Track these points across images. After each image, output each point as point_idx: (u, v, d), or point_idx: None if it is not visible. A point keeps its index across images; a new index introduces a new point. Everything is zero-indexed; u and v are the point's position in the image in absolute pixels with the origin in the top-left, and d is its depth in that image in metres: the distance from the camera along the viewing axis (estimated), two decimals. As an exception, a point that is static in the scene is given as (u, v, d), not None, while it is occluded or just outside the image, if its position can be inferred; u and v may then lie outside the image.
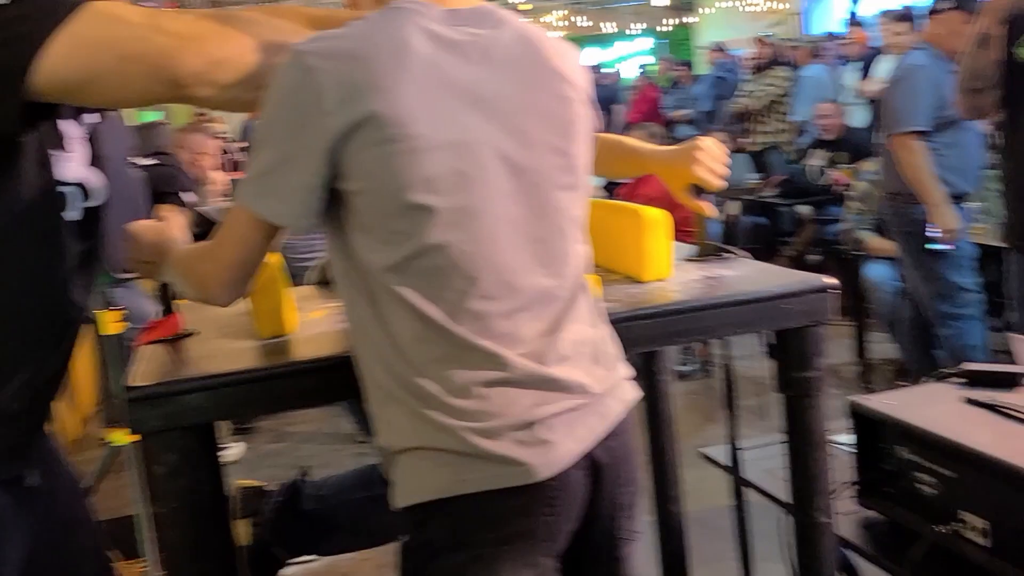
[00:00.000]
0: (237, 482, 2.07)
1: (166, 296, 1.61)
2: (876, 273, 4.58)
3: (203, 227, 1.83)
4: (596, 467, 1.26)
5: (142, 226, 1.52)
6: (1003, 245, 2.90)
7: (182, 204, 3.86)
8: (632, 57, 15.75)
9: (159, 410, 1.31)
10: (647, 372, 2.14)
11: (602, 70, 12.51)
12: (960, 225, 3.64)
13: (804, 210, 6.34)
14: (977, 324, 3.84)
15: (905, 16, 6.03)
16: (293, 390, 1.36)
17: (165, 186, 3.78)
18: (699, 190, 1.73)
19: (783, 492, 1.70)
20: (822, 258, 6.03)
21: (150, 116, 8.55)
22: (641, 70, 12.16)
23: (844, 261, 5.06)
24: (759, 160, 7.55)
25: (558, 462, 1.20)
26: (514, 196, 1.23)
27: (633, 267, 1.65)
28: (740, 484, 1.86)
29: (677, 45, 15.37)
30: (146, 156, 3.90)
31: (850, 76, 8.25)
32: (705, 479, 2.36)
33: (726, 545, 1.97)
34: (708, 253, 1.79)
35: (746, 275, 1.63)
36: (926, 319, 3.94)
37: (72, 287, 1.36)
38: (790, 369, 1.52)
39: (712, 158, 1.70)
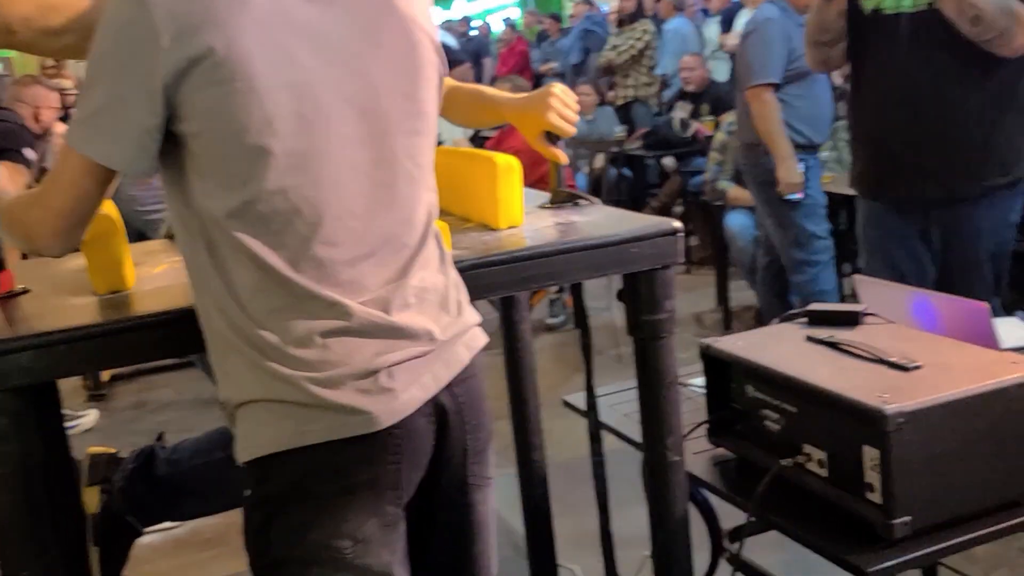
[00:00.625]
0: (87, 449, 2.00)
1: (-9, 254, 1.51)
2: (736, 222, 4.72)
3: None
4: (442, 414, 1.26)
5: None
6: (852, 193, 3.02)
7: (24, 161, 3.66)
8: (500, 10, 15.67)
9: (-19, 372, 1.24)
10: (507, 321, 2.15)
11: (471, 23, 12.42)
12: (800, 179, 3.77)
13: (668, 162, 6.47)
14: (828, 270, 4.00)
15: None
16: (130, 346, 1.30)
17: (3, 142, 3.58)
18: (553, 137, 1.73)
19: (639, 435, 1.74)
20: (686, 209, 6.18)
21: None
22: (507, 23, 12.11)
23: (707, 211, 5.20)
24: (624, 114, 7.65)
25: (401, 410, 1.19)
26: (359, 141, 1.21)
27: (486, 214, 1.64)
28: (597, 428, 1.89)
29: (547, -1, 15.37)
30: (-19, 111, 3.68)
31: (712, 29, 8.42)
32: (572, 428, 2.39)
33: (591, 492, 2.01)
34: (561, 200, 1.79)
35: (597, 220, 1.64)
36: (780, 266, 4.08)
37: None
38: (640, 312, 1.54)
39: (564, 104, 1.70)
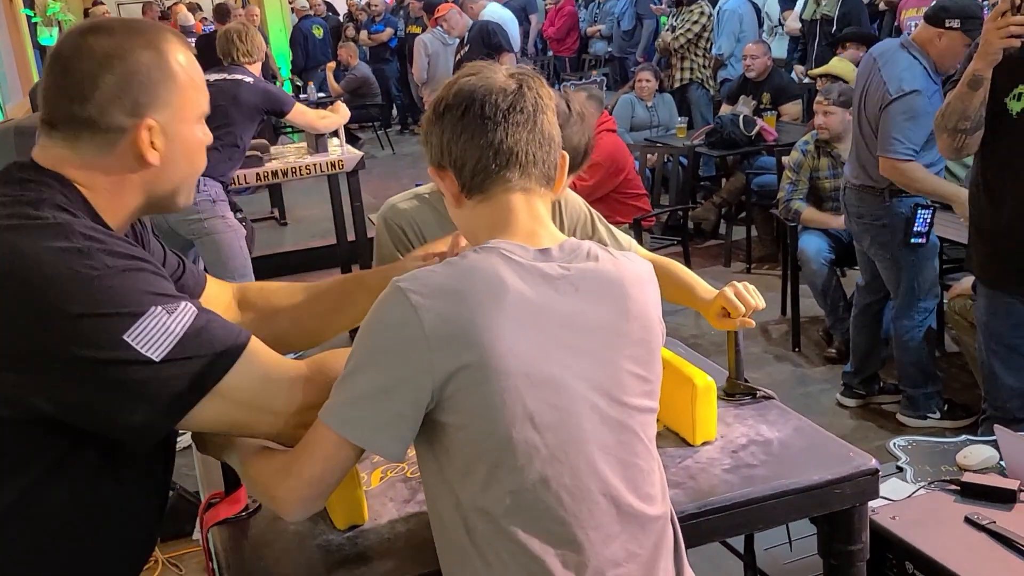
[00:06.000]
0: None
1: (231, 471, 1.60)
2: (811, 245, 4.73)
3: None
4: None
5: None
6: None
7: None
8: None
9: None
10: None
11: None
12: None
13: (730, 157, 6.44)
14: (932, 317, 3.95)
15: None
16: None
17: None
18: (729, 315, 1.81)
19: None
20: (747, 207, 6.19)
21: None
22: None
23: (773, 218, 5.21)
24: (681, 96, 7.58)
25: None
26: (606, 425, 1.29)
27: (682, 428, 1.73)
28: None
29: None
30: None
31: (771, 4, 8.29)
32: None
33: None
34: (739, 392, 1.87)
35: (788, 440, 1.72)
36: (878, 309, 4.04)
37: None
38: (835, 540, 1.64)
39: (744, 289, 1.80)
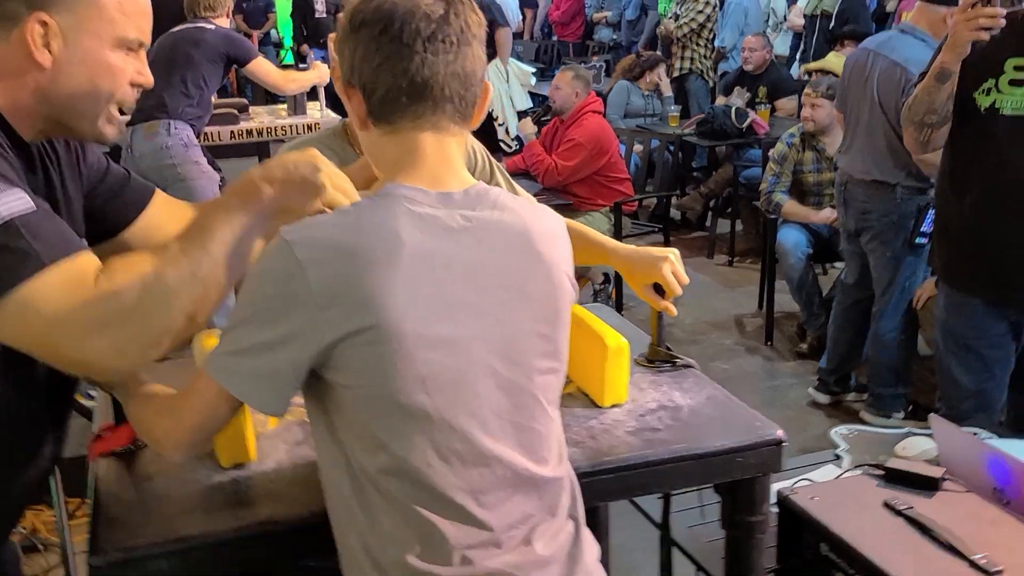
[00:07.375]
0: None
1: (119, 404, 1.57)
2: (790, 239, 4.68)
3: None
4: None
5: None
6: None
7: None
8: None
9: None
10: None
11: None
12: None
13: (720, 148, 6.39)
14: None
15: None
16: (270, 552, 1.38)
17: None
18: (660, 290, 1.76)
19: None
20: (733, 199, 6.14)
21: None
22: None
23: (759, 211, 5.16)
24: (679, 85, 7.53)
25: None
26: (502, 388, 1.24)
27: (592, 389, 1.68)
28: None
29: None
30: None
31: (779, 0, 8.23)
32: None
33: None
34: (659, 359, 1.83)
35: (699, 407, 1.67)
36: (865, 307, 3.95)
37: None
38: (737, 511, 1.60)
39: (678, 262, 1.74)
